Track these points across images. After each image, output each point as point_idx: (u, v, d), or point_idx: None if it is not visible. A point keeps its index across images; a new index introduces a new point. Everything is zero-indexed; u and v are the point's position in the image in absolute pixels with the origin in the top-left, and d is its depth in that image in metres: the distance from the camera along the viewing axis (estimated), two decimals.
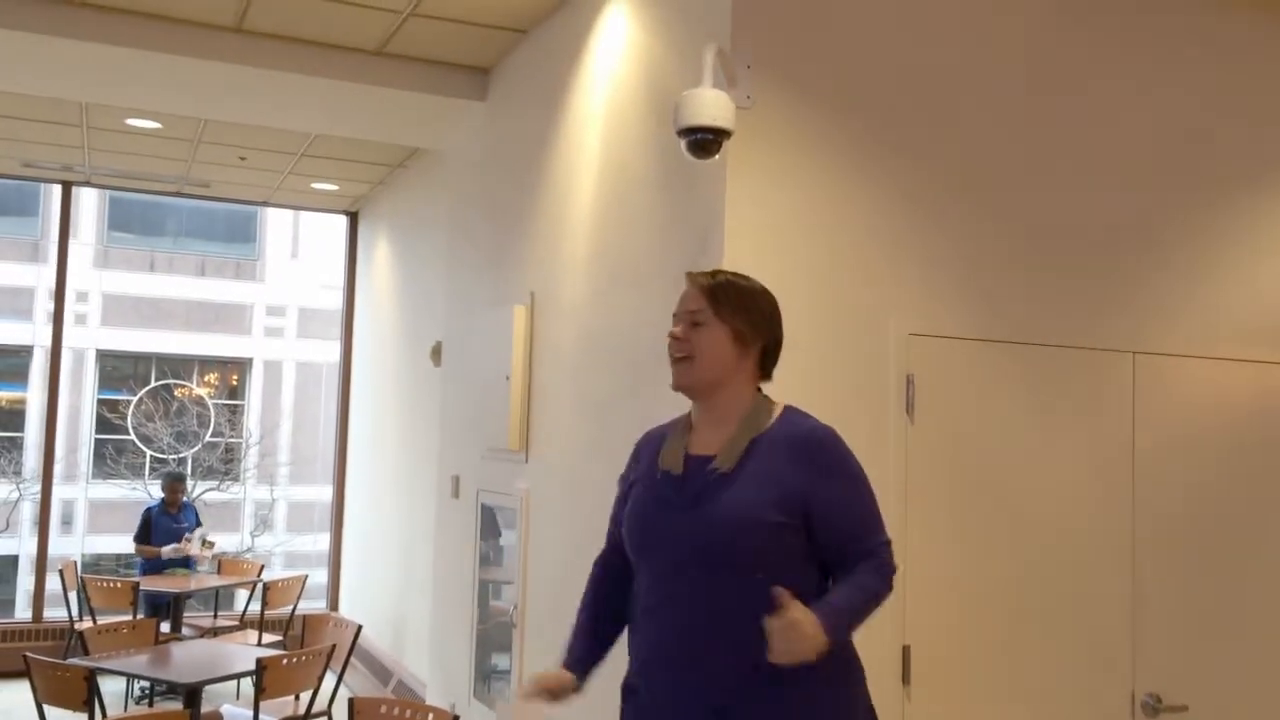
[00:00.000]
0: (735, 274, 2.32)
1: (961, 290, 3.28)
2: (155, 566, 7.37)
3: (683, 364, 2.25)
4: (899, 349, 3.16)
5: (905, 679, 3.09)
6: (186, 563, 7.49)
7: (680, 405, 2.37)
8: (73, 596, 7.21)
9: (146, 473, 17.97)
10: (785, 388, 2.72)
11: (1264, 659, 3.55)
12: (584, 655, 2.32)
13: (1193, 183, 3.61)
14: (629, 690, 2.28)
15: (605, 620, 2.35)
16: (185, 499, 7.75)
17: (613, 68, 3.86)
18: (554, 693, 2.24)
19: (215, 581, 7.40)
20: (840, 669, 2.15)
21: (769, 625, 1.99)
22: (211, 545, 7.59)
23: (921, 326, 3.20)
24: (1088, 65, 3.49)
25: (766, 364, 2.29)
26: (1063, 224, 3.42)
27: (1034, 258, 3.38)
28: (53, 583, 8.11)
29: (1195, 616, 3.46)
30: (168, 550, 7.34)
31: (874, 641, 3.04)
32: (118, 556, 7.90)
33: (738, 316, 2.23)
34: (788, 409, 2.25)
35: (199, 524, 7.71)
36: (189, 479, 17.71)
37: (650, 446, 2.36)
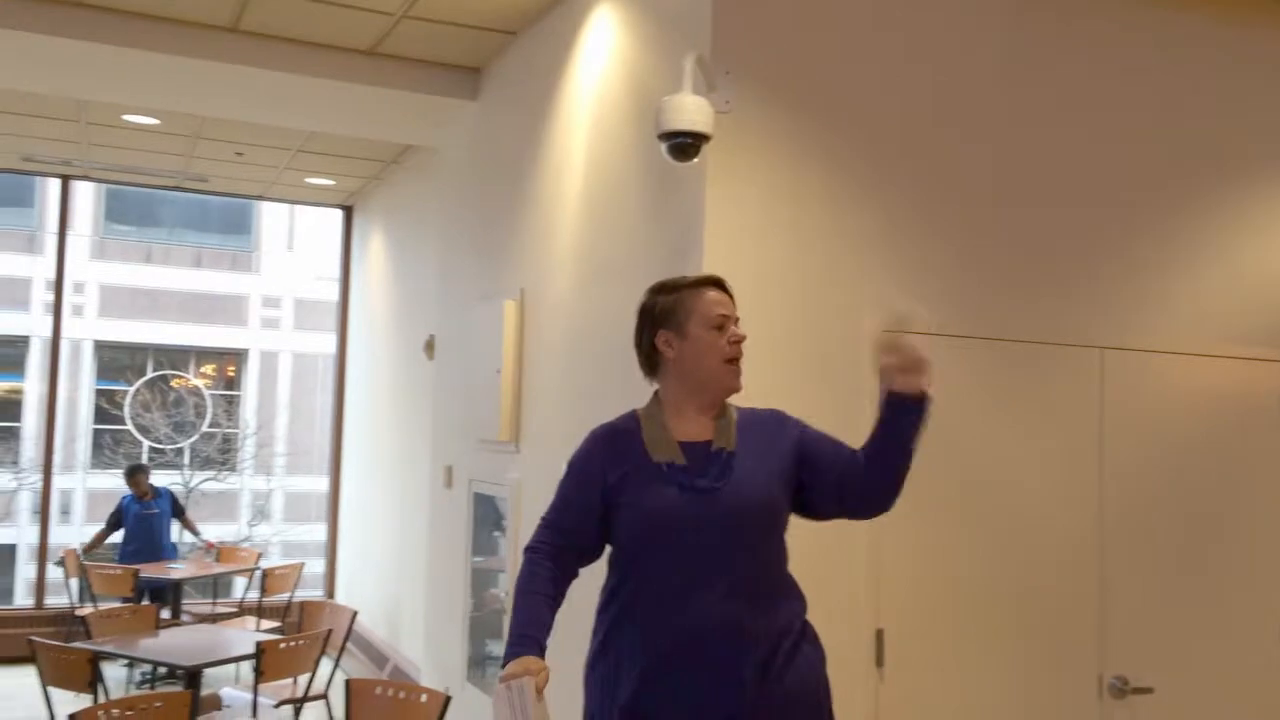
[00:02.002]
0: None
1: (933, 288, 3.40)
2: (129, 554, 7.50)
3: (738, 364, 2.40)
4: (872, 345, 3.27)
5: (879, 661, 3.22)
6: (164, 551, 7.60)
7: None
8: (74, 583, 7.33)
9: (144, 462, 18.06)
10: (761, 383, 2.85)
11: (1228, 643, 3.68)
12: (542, 639, 2.37)
13: (1161, 180, 3.73)
14: (631, 713, 2.29)
15: (554, 608, 2.42)
16: (160, 487, 7.85)
17: (598, 71, 3.97)
18: (541, 686, 2.29)
19: (214, 569, 7.53)
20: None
21: (897, 353, 2.33)
22: (215, 550, 7.78)
23: (894, 323, 3.31)
24: (1059, 65, 3.60)
25: None
26: (1032, 222, 3.54)
27: (1003, 255, 3.50)
28: (55, 571, 8.24)
29: (1161, 602, 3.59)
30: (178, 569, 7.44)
31: (848, 625, 3.17)
32: (114, 545, 8.06)
33: None
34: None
35: (181, 511, 7.83)
36: (185, 468, 17.85)
37: (621, 442, 2.42)
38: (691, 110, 2.99)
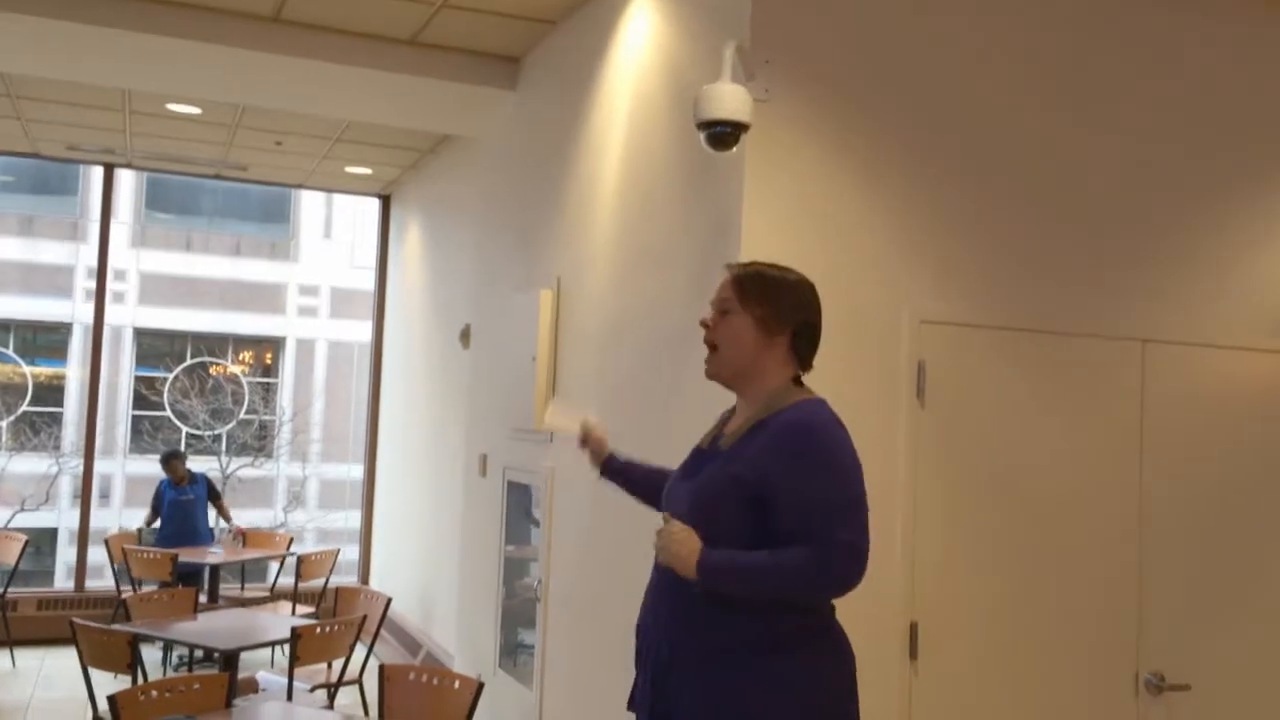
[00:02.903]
0: (768, 265, 2.38)
1: (973, 278, 3.37)
2: (165, 538, 7.60)
3: (710, 353, 2.35)
4: (911, 335, 3.26)
5: (913, 654, 3.21)
6: (199, 536, 7.70)
7: (698, 385, 2.48)
8: (118, 567, 7.44)
9: (183, 448, 18.30)
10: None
11: (1266, 641, 3.63)
12: (625, 464, 2.73)
13: (1206, 169, 3.67)
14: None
15: (653, 480, 2.60)
16: (198, 473, 7.96)
17: (637, 60, 3.97)
18: (589, 432, 2.71)
19: (248, 554, 7.60)
20: (790, 643, 2.17)
21: (658, 534, 2.21)
22: (237, 533, 7.87)
23: (933, 313, 3.29)
24: (1103, 56, 3.56)
25: (801, 351, 2.32)
26: (1075, 213, 3.50)
27: (1046, 247, 3.46)
28: (95, 554, 8.37)
29: (1200, 599, 3.55)
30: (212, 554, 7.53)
31: (881, 618, 3.16)
32: (151, 529, 8.28)
33: (762, 305, 2.28)
34: (808, 401, 2.27)
35: (217, 496, 7.93)
36: (222, 454, 18.05)
37: (717, 424, 2.47)
38: (730, 99, 2.98)
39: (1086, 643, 3.41)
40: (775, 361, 2.30)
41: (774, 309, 2.29)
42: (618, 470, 2.73)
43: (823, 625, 2.25)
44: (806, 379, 2.38)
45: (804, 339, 2.33)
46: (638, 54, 3.97)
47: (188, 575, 7.13)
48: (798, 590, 2.15)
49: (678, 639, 2.22)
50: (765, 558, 2.12)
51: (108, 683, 4.35)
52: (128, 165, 8.26)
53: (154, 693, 3.56)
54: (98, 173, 8.43)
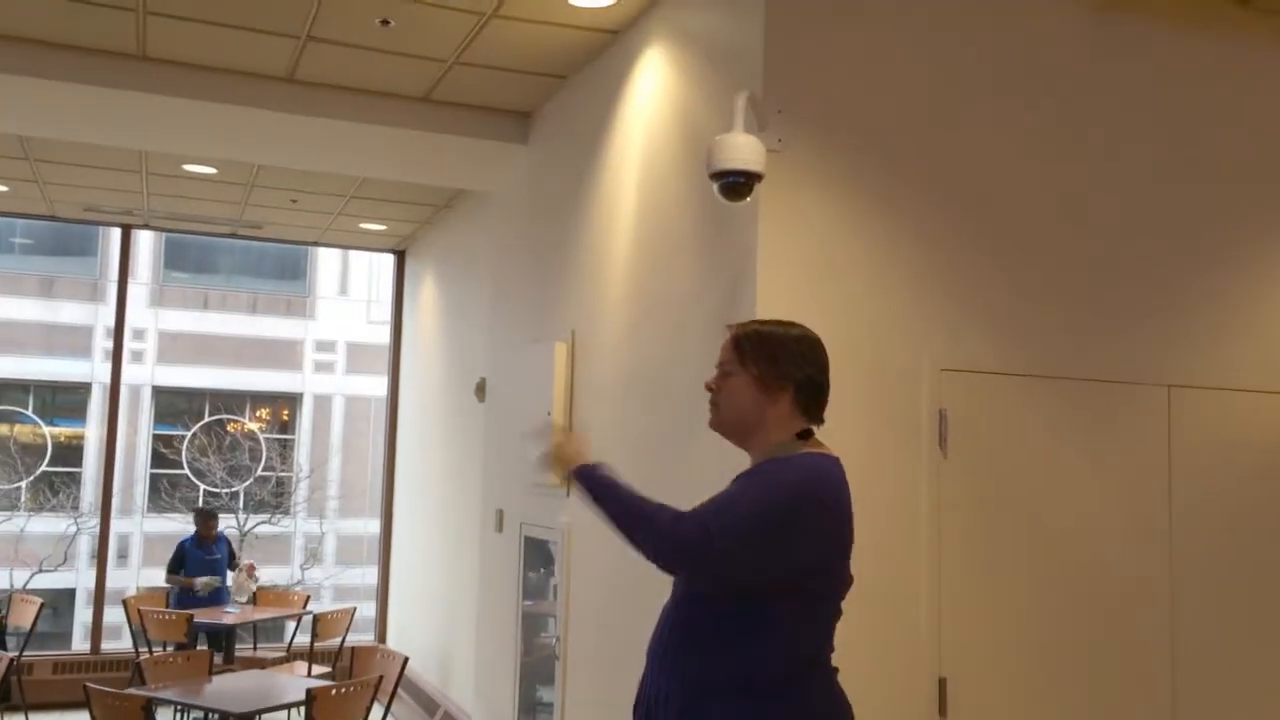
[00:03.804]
0: (769, 322, 2.39)
1: (993, 325, 3.33)
2: (188, 599, 7.53)
3: (713, 410, 2.37)
4: (931, 384, 3.22)
5: (942, 711, 3.12)
6: (219, 595, 7.63)
7: (714, 439, 2.44)
8: (135, 628, 7.37)
9: (200, 504, 18.29)
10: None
11: None
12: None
13: (1228, 213, 3.64)
14: None
15: None
16: (219, 532, 7.93)
17: (649, 112, 3.97)
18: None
19: (265, 613, 7.54)
20: (779, 684, 2.14)
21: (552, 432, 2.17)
22: (255, 576, 7.75)
23: (954, 361, 3.25)
24: (1119, 99, 3.54)
25: (806, 405, 2.30)
26: (1095, 258, 3.46)
27: (1066, 292, 3.42)
28: (112, 615, 8.30)
29: (1234, 652, 3.46)
30: (200, 583, 7.50)
31: (910, 673, 3.08)
32: (167, 589, 8.23)
33: (759, 364, 2.29)
34: (809, 455, 2.26)
35: (233, 556, 7.89)
36: (239, 512, 18.04)
37: None
38: (743, 149, 2.97)
39: (1119, 695, 3.31)
40: (778, 417, 2.30)
41: (773, 367, 2.30)
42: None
43: (809, 672, 2.20)
44: (825, 434, 2.34)
45: (808, 393, 2.31)
46: (649, 106, 3.98)
47: (213, 636, 7.07)
48: (630, 525, 2.17)
49: (668, 680, 2.22)
50: (632, 494, 2.21)
51: None
52: (145, 226, 8.32)
53: None
54: (116, 233, 8.50)
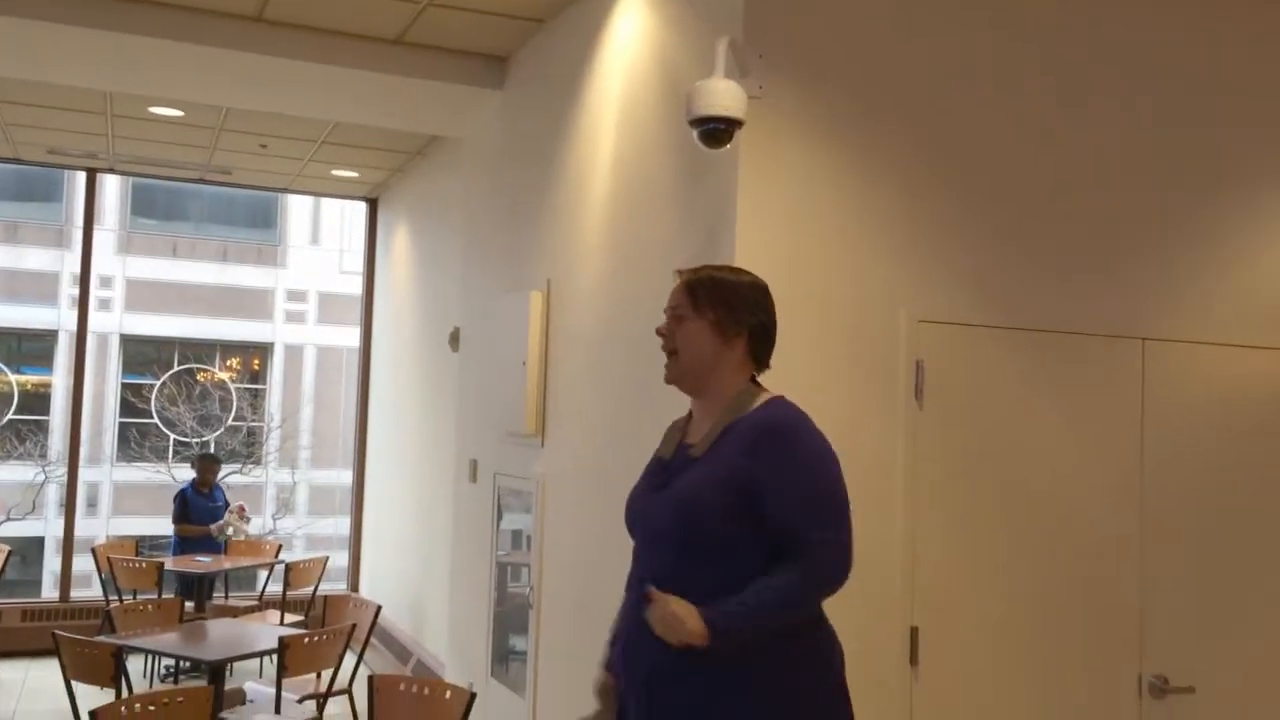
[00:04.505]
0: (720, 267, 2.41)
1: (971, 277, 3.31)
2: (191, 545, 7.56)
3: (669, 359, 2.37)
4: (909, 335, 3.20)
5: (914, 660, 3.15)
6: (214, 542, 7.67)
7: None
8: (105, 577, 7.35)
9: (170, 456, 18.17)
10: (796, 374, 2.78)
11: (1271, 642, 3.58)
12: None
13: (1204, 168, 3.62)
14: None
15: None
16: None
17: (627, 57, 3.90)
18: None
19: (238, 562, 7.52)
20: (777, 652, 2.15)
21: (649, 611, 2.13)
22: (247, 517, 7.83)
23: (931, 313, 3.24)
24: (1102, 50, 3.51)
25: (757, 352, 2.34)
26: (1073, 210, 3.45)
27: (1044, 244, 3.41)
28: (81, 564, 8.25)
29: (1203, 600, 3.50)
30: (215, 527, 7.53)
31: (882, 622, 3.10)
32: (142, 538, 8.13)
33: (716, 309, 2.29)
34: (775, 400, 2.30)
35: (227, 502, 7.92)
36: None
37: (668, 434, 2.45)
38: (723, 95, 2.92)
39: (1090, 645, 3.35)
40: (733, 364, 2.32)
41: (728, 312, 2.31)
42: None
43: (812, 619, 2.25)
44: (802, 383, 2.37)
45: (760, 340, 2.34)
46: (628, 51, 3.91)
47: (185, 584, 7.06)
48: (800, 607, 2.17)
49: (662, 657, 2.17)
50: (757, 591, 2.12)
51: (94, 695, 4.26)
52: (110, 170, 8.16)
53: (137, 706, 3.48)
54: (82, 179, 8.33)
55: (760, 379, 2.37)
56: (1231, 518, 3.56)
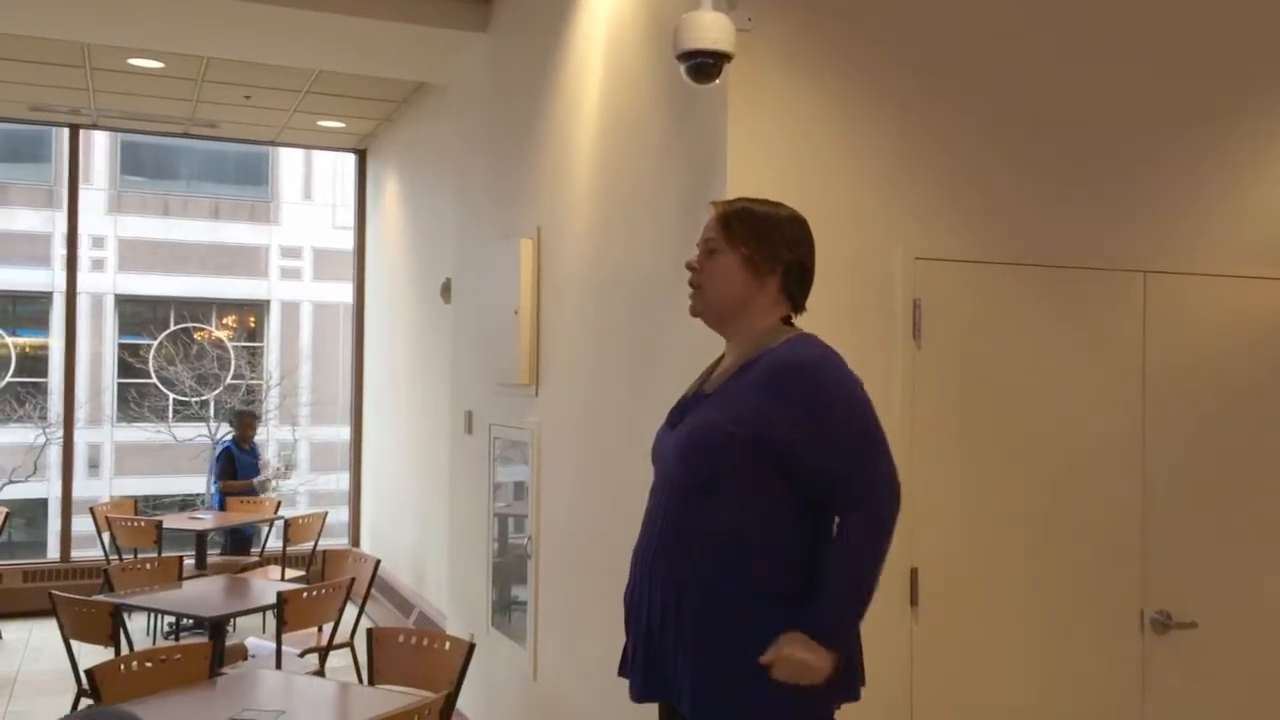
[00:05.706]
0: (757, 200, 2.27)
1: (968, 213, 3.24)
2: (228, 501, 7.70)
3: (694, 293, 2.25)
4: (905, 273, 3.13)
5: (914, 601, 3.12)
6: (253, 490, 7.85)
7: (685, 333, 2.36)
8: (106, 537, 7.35)
9: (170, 415, 18.15)
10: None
11: (1274, 578, 3.55)
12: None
13: (1206, 99, 3.53)
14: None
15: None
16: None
17: None
18: None
19: (237, 519, 7.52)
20: (796, 590, 2.11)
21: (773, 664, 2.01)
22: (287, 471, 8.01)
23: (928, 250, 3.16)
24: None
25: (792, 291, 2.23)
26: (1071, 144, 3.36)
27: (1041, 178, 3.33)
28: (84, 524, 8.25)
29: (1205, 536, 3.46)
30: (258, 482, 7.78)
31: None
32: (145, 498, 8.18)
33: (750, 243, 2.18)
34: (799, 336, 2.19)
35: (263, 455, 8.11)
36: (210, 420, 17.94)
37: (703, 374, 2.37)
38: (711, 28, 2.83)
39: (1091, 582, 3.32)
40: (764, 302, 2.20)
41: (762, 247, 2.18)
42: None
43: None
44: (799, 321, 2.28)
45: (795, 278, 2.23)
46: None
47: (244, 537, 7.19)
48: (881, 557, 2.08)
49: (671, 580, 2.12)
50: (836, 582, 2.05)
51: (95, 654, 4.25)
52: (94, 126, 8.04)
53: (135, 664, 3.46)
54: (69, 136, 8.21)
55: (796, 322, 2.26)
56: (1234, 452, 3.51)
